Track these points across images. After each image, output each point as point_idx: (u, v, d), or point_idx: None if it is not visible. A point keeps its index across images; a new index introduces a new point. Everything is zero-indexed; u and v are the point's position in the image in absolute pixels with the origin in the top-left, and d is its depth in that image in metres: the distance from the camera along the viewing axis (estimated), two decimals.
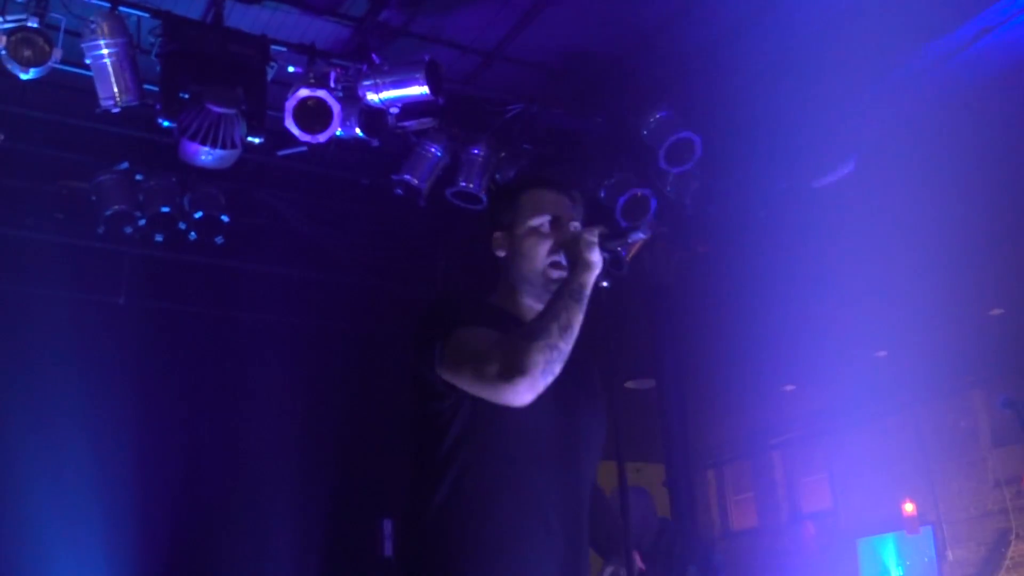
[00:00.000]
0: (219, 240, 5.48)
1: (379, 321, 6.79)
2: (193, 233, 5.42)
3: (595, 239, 2.08)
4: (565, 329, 1.98)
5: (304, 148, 4.70)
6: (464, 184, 5.34)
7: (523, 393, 1.94)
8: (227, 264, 6.07)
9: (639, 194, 5.58)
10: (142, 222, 5.30)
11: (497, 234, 2.26)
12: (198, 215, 5.38)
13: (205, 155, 4.51)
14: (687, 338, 6.71)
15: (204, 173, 5.31)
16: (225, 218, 5.42)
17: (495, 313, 2.19)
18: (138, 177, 5.31)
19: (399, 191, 5.32)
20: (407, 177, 5.27)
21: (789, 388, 9.62)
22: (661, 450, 6.51)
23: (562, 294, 2.04)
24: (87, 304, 5.85)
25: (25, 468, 5.43)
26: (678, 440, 6.34)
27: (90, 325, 5.73)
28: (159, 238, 5.39)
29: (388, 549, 6.20)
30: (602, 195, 5.65)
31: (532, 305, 2.20)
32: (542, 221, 2.22)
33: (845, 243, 6.34)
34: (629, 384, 8.49)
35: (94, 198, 5.27)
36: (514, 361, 1.93)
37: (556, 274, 2.17)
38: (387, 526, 6.25)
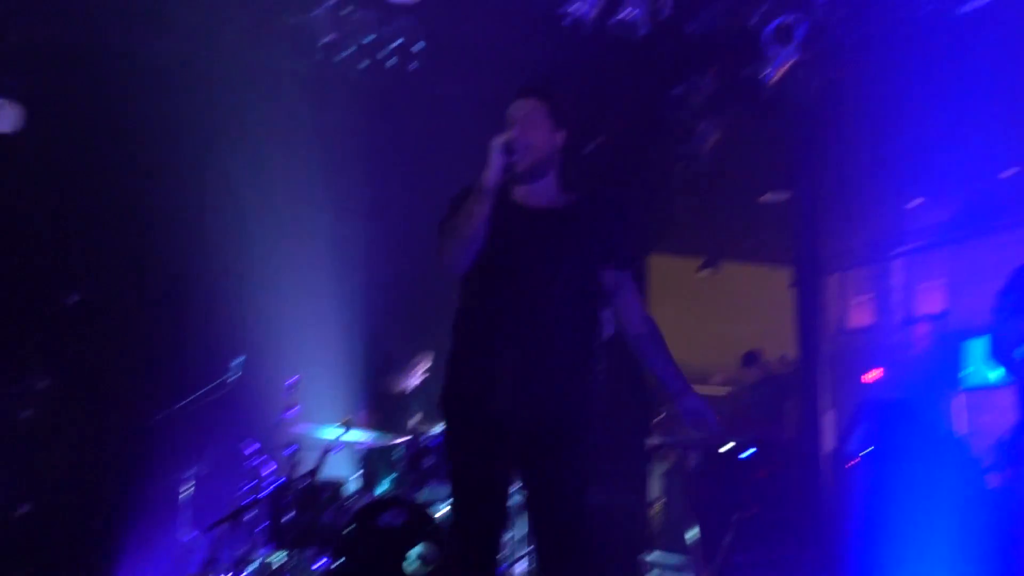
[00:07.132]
0: None
1: None
2: None
3: (498, 144, 2.79)
4: (466, 222, 2.81)
5: None
6: None
7: (454, 269, 2.95)
8: None
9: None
10: None
11: None
12: None
13: None
14: (823, 156, 7.05)
15: None
16: None
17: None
18: None
19: None
20: None
21: (916, 202, 9.81)
22: (790, 256, 7.03)
23: (472, 190, 2.85)
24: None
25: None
26: (806, 247, 6.78)
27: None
28: None
29: None
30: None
31: None
32: (510, 122, 2.97)
33: (983, 68, 6.44)
34: (765, 197, 9.01)
35: None
36: (442, 255, 2.92)
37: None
38: None
